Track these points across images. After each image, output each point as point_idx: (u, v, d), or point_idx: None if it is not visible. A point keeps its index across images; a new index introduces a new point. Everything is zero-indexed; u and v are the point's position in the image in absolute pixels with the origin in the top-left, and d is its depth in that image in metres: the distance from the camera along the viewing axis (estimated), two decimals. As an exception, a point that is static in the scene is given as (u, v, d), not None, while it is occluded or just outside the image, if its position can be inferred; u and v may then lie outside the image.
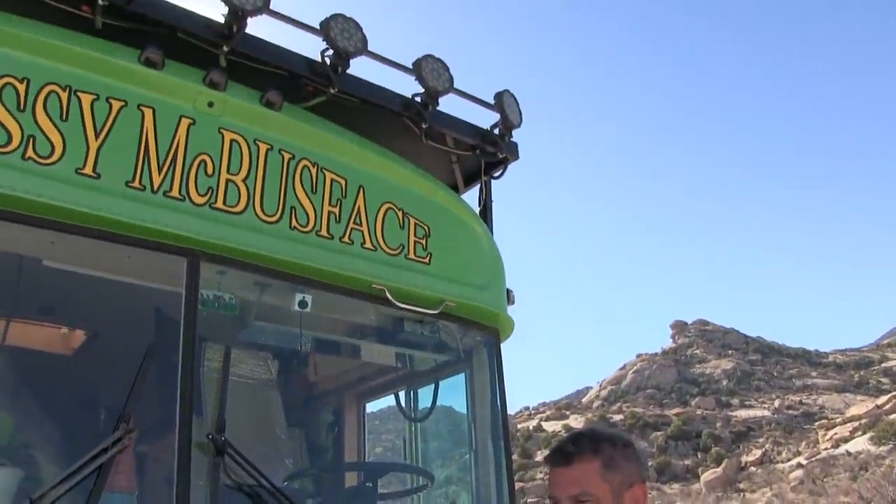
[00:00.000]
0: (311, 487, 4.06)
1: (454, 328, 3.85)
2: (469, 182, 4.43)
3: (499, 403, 3.82)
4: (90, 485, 2.62)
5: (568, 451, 2.22)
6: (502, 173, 4.32)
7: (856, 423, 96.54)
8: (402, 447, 4.73)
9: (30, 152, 2.72)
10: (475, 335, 3.93)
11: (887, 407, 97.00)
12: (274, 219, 3.23)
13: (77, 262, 3.09)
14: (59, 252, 2.99)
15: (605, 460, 2.18)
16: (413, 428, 4.59)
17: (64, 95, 2.82)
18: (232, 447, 2.84)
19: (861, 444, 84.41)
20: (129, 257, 3.05)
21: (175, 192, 3.02)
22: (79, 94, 2.86)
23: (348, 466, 4.79)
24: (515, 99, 4.17)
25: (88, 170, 2.83)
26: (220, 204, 3.12)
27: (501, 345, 3.94)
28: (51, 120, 2.78)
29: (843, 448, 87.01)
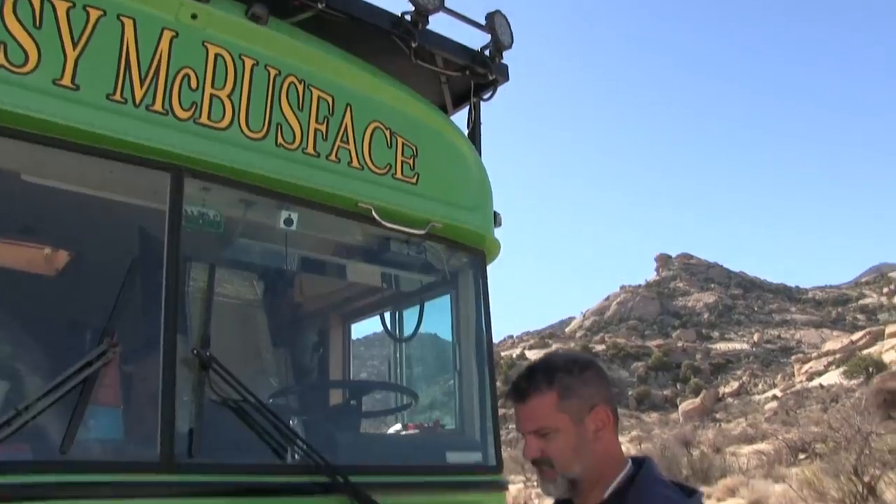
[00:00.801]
0: (295, 404, 4.09)
1: (440, 249, 3.84)
2: (458, 103, 4.36)
3: (484, 325, 3.83)
4: (75, 397, 2.62)
5: (522, 387, 2.25)
6: (492, 95, 4.26)
7: (830, 358, 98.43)
8: (386, 371, 4.77)
9: (1, 59, 2.63)
10: (461, 256, 3.92)
11: (861, 343, 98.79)
12: (259, 135, 3.18)
13: (57, 177, 3.03)
14: (37, 166, 2.93)
15: (560, 390, 2.19)
16: (398, 349, 4.62)
17: (36, 2, 2.72)
18: (217, 362, 2.84)
19: (834, 377, 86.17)
20: (111, 172, 3.00)
21: (158, 107, 2.95)
22: (53, 1, 2.76)
23: (333, 384, 4.83)
24: (507, 20, 4.09)
25: (66, 81, 2.75)
26: (204, 119, 3.06)
27: (487, 267, 3.94)
28: (23, 27, 2.68)
29: (816, 381, 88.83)
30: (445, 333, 4.02)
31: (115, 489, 2.56)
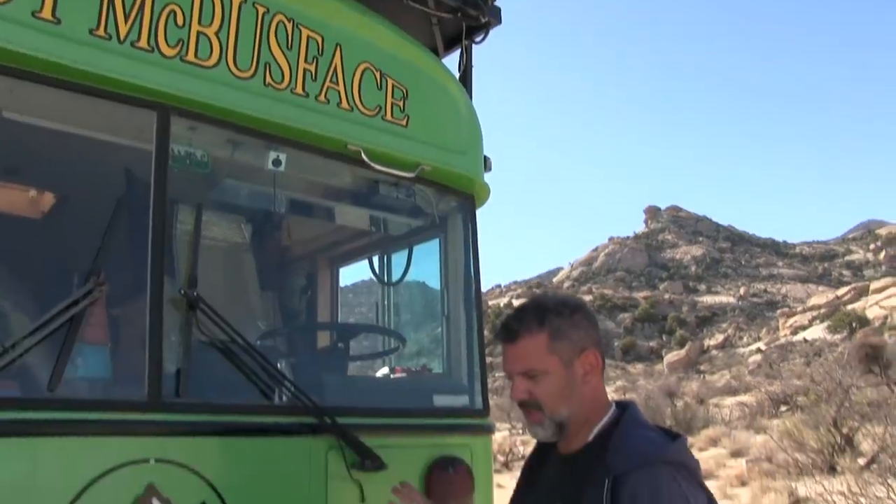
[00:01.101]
0: (283, 347, 4.10)
1: (429, 193, 3.81)
2: (450, 46, 4.30)
3: (472, 269, 3.83)
4: (62, 336, 2.61)
5: (512, 328, 2.22)
6: (484, 38, 4.20)
7: (815, 313, 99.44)
8: (374, 316, 4.77)
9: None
10: (450, 200, 3.90)
11: (846, 298, 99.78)
12: (247, 74, 3.12)
13: (40, 114, 2.97)
14: (19, 102, 2.87)
15: (551, 332, 2.18)
16: (385, 293, 4.62)
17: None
18: (204, 302, 2.83)
19: (818, 332, 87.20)
20: (95, 111, 2.95)
21: (143, 43, 2.89)
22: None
23: (321, 326, 4.84)
24: (500, -38, 4.02)
25: (47, 14, 2.67)
26: (190, 57, 3.00)
27: (476, 211, 3.92)
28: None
29: (800, 335, 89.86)
30: (433, 278, 4.02)
31: (103, 427, 2.57)
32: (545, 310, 2.21)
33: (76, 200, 4.32)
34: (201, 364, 2.90)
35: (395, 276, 4.45)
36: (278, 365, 3.22)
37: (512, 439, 37.69)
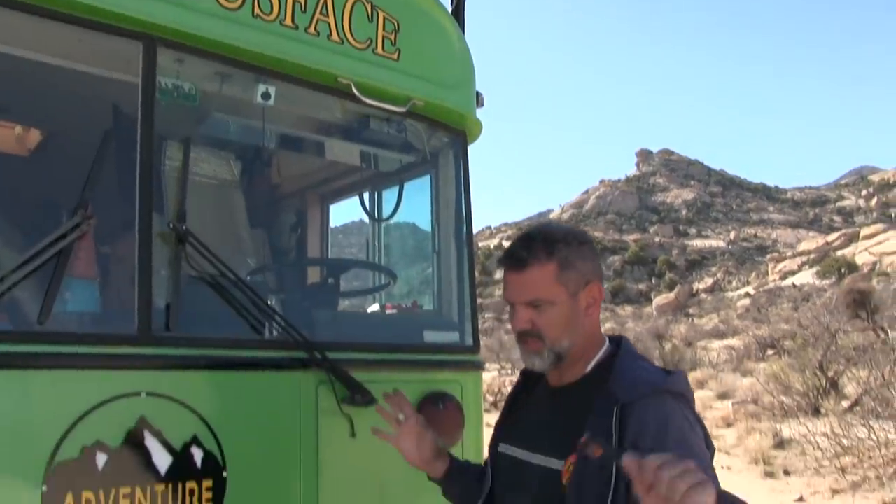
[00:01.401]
0: (273, 282, 4.09)
1: (421, 128, 3.77)
2: (442, -21, 4.21)
3: (463, 205, 3.80)
4: (51, 269, 2.59)
5: (521, 256, 2.17)
6: (477, -29, 4.11)
7: (804, 258, 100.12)
8: (365, 255, 4.76)
9: None
10: (442, 136, 3.85)
11: (836, 244, 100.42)
12: (235, 5, 3.05)
13: (21, 44, 2.91)
14: (1, 33, 2.80)
15: (559, 262, 2.14)
16: (376, 231, 4.61)
17: None
18: (193, 236, 2.81)
19: (807, 277, 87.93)
20: (79, 41, 2.88)
21: (128, -28, 2.81)
22: None
23: (311, 262, 4.83)
24: None
25: (26, -63, 2.60)
26: (178, -13, 2.92)
27: (468, 147, 3.88)
28: None
29: (789, 280, 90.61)
30: (424, 214, 3.99)
31: (93, 360, 2.57)
32: (554, 239, 2.17)
33: (63, 136, 4.27)
34: (191, 298, 2.89)
35: (386, 213, 4.42)
36: (269, 300, 3.21)
37: (501, 380, 38.11)
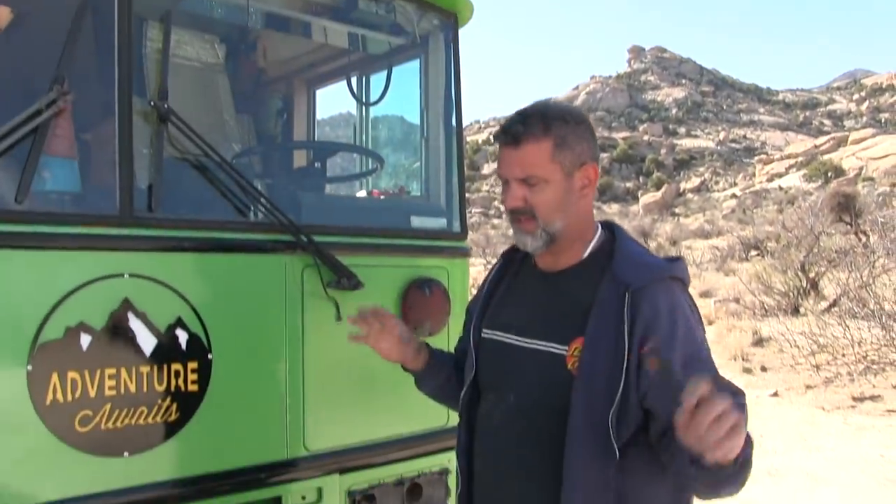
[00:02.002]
0: (259, 166, 4.01)
1: (410, 9, 3.61)
2: None
3: (453, 90, 3.70)
4: (27, 147, 2.51)
5: (516, 131, 2.09)
6: None
7: (792, 161, 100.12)
8: (353, 140, 4.67)
9: None
10: (432, 18, 3.70)
11: (824, 147, 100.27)
12: None
13: None
14: None
15: (555, 140, 2.06)
16: (364, 117, 4.51)
17: None
18: (176, 115, 2.72)
19: (793, 180, 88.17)
20: None
21: None
22: None
23: (297, 145, 4.74)
24: None
25: None
26: None
27: (459, 30, 3.74)
28: None
29: (776, 182, 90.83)
30: (413, 100, 3.88)
31: (74, 241, 2.52)
32: (551, 117, 2.08)
33: (36, 15, 4.10)
34: (174, 179, 2.83)
35: (374, 100, 4.30)
36: (254, 183, 3.14)
37: (486, 273, 38.42)
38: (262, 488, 2.92)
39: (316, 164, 3.93)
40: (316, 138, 4.97)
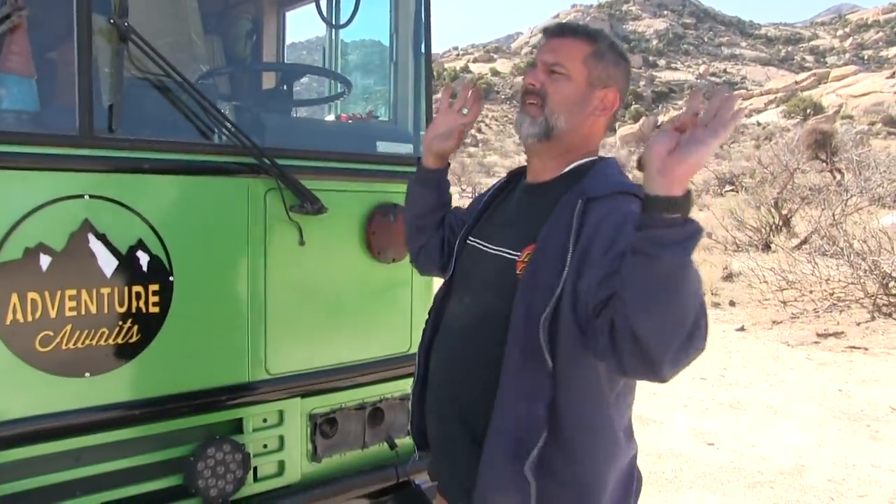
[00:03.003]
0: (224, 88, 3.93)
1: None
2: None
3: (423, 14, 3.62)
4: (-19, 63, 2.45)
5: (566, 27, 2.19)
6: None
7: (772, 97, 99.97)
8: (321, 64, 4.59)
9: None
10: (402, -63, 3.61)
11: (804, 84, 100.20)
12: None
13: None
14: None
15: (595, 49, 2.13)
16: (333, 38, 4.42)
17: None
18: (136, 33, 2.65)
19: (772, 116, 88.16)
20: None
21: None
22: None
23: (264, 66, 4.65)
24: None
25: None
26: None
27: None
28: None
29: (754, 118, 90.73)
30: (383, 23, 3.81)
31: (32, 161, 2.47)
32: (601, 35, 2.17)
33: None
34: (136, 99, 2.77)
35: (343, 20, 4.21)
36: (218, 105, 3.09)
37: (461, 201, 38.50)
38: (223, 410, 2.96)
39: (284, 87, 3.86)
40: (285, 59, 4.88)
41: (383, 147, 3.48)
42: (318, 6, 4.24)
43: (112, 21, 2.62)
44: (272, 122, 3.43)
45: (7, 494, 2.50)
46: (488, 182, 60.06)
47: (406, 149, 3.57)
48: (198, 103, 2.83)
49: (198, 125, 2.88)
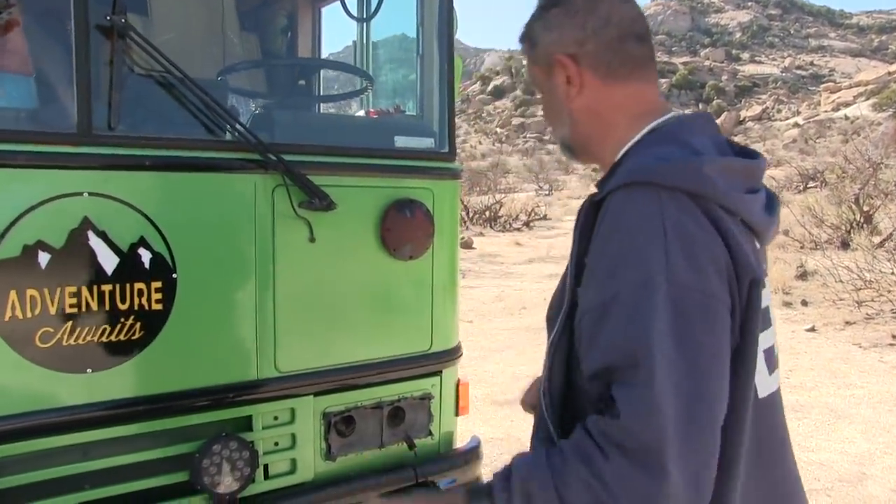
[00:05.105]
0: (242, 84, 3.93)
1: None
2: None
3: (446, 5, 3.52)
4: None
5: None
6: None
7: (861, 89, 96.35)
8: (352, 60, 4.55)
9: None
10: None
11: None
12: None
13: None
14: None
15: (529, 41, 1.79)
16: (363, 32, 4.37)
17: None
18: (135, 31, 2.64)
19: (861, 109, 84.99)
20: None
21: None
22: None
23: (280, 61, 4.59)
24: None
25: None
26: None
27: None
28: None
29: (842, 112, 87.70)
30: (410, 16, 3.74)
31: (31, 159, 2.48)
32: (529, 22, 1.79)
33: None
34: (137, 97, 2.77)
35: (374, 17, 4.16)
36: (229, 101, 3.08)
37: (537, 199, 38.42)
38: (231, 407, 2.94)
39: (302, 83, 3.83)
40: (322, 53, 4.86)
41: (401, 141, 3.40)
42: (343, 2, 4.19)
43: (108, 18, 2.61)
44: (281, 118, 3.39)
45: (17, 486, 2.53)
46: (566, 179, 59.54)
47: (425, 143, 3.49)
48: (200, 100, 2.80)
49: (201, 121, 2.85)
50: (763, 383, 1.57)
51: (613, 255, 1.43)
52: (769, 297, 1.64)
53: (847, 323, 10.75)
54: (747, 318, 1.44)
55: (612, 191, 1.53)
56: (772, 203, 1.69)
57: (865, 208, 18.74)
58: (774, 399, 1.64)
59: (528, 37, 1.79)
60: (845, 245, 16.90)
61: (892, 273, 11.57)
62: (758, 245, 1.61)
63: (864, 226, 18.18)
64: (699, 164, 1.49)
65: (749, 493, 1.53)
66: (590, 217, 1.58)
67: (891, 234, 15.46)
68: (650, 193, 1.45)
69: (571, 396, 1.58)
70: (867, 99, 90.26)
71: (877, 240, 16.13)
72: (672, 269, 1.36)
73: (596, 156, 1.79)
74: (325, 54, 5.04)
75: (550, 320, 1.68)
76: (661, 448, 1.28)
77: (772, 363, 1.63)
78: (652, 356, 1.32)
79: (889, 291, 11.34)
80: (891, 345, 9.69)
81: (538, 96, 1.87)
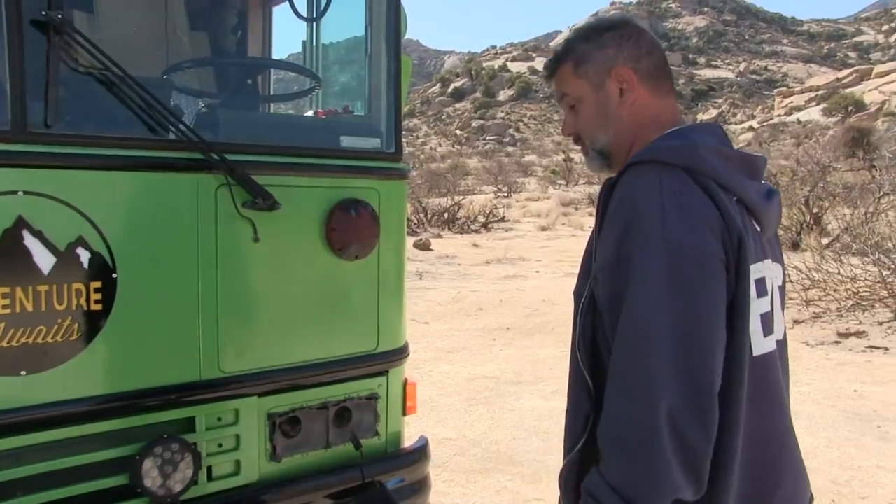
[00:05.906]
0: (187, 83, 3.88)
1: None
2: None
3: (394, 7, 3.51)
4: None
5: (546, 65, 2.15)
6: None
7: (813, 94, 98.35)
8: (302, 60, 4.53)
9: None
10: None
11: (846, 80, 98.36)
12: None
13: None
14: None
15: (575, 58, 2.05)
16: (313, 32, 4.34)
17: None
18: (71, 27, 2.59)
19: (813, 114, 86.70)
20: None
21: None
22: None
23: (225, 62, 4.56)
24: None
25: None
26: None
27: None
28: None
29: (794, 116, 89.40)
30: (359, 16, 3.73)
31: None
32: (572, 39, 2.09)
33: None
34: (75, 94, 2.73)
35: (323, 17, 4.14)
36: (171, 99, 3.04)
37: (495, 201, 38.58)
38: (173, 409, 2.90)
39: (248, 82, 3.80)
40: (272, 53, 4.82)
41: (347, 141, 3.39)
42: (291, 2, 4.16)
43: (44, 13, 2.56)
44: (226, 117, 3.35)
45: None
46: (525, 181, 59.78)
47: (371, 143, 3.48)
48: (142, 98, 2.77)
49: (142, 119, 2.81)
50: (758, 343, 1.78)
51: (621, 220, 1.73)
52: (773, 273, 1.90)
53: (795, 321, 10.95)
54: (739, 273, 1.69)
55: (622, 172, 1.84)
56: (771, 194, 1.95)
57: (815, 210, 19.12)
58: (766, 361, 1.83)
59: (572, 54, 2.06)
60: (795, 246, 17.23)
61: (839, 273, 11.82)
62: (758, 228, 1.86)
63: (814, 227, 18.55)
64: (696, 146, 1.81)
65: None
66: (606, 196, 1.87)
67: (838, 236, 15.77)
68: (652, 169, 1.77)
69: (597, 353, 1.88)
70: (818, 104, 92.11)
71: (825, 241, 16.45)
72: (668, 229, 1.64)
73: (624, 160, 2.02)
74: (280, 55, 5.01)
75: (578, 294, 1.95)
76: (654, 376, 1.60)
77: (767, 327, 1.83)
78: (651, 305, 1.63)
79: (835, 291, 11.59)
80: (836, 342, 9.91)
81: (567, 109, 2.11)
